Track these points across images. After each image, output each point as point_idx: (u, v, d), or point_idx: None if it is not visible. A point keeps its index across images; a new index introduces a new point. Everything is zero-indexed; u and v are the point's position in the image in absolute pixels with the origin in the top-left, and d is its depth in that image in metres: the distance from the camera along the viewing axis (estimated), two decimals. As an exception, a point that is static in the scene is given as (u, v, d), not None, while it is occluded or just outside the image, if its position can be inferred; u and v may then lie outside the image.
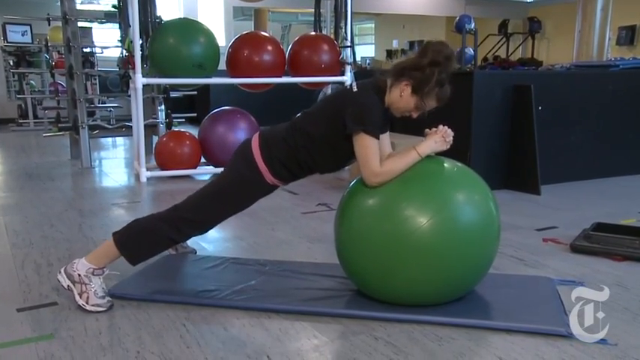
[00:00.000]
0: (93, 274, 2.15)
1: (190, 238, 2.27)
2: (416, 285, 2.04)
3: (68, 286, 2.16)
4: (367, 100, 2.09)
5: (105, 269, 2.18)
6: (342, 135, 2.09)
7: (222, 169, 2.30)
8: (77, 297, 2.14)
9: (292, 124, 2.20)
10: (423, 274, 2.01)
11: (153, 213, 2.29)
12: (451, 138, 2.13)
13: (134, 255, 2.20)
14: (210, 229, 2.29)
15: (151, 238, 2.20)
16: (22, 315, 2.12)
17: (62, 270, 2.19)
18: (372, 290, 2.16)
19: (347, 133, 2.07)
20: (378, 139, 2.08)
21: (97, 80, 9.64)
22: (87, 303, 2.12)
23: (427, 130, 2.16)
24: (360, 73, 6.08)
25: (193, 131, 5.34)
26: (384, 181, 2.04)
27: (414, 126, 2.26)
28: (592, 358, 1.79)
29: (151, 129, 6.15)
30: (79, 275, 2.14)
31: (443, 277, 2.02)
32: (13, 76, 10.02)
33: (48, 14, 7.44)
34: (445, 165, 2.14)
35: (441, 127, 2.14)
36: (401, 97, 2.09)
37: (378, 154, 2.07)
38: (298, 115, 2.26)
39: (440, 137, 2.11)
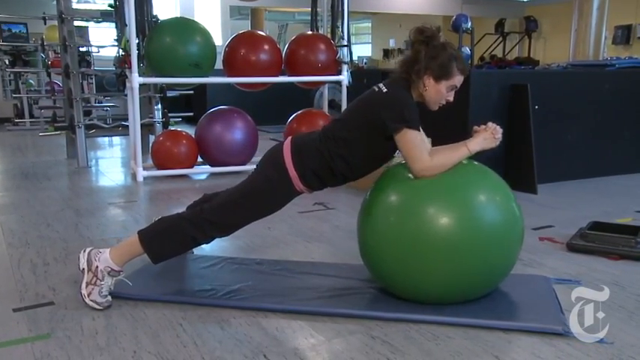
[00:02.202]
0: (109, 274, 2.15)
1: (214, 239, 2.28)
2: (439, 284, 2.04)
3: (83, 269, 2.16)
4: (401, 97, 2.10)
5: (121, 272, 2.19)
6: (379, 137, 2.10)
7: (249, 174, 2.29)
8: (83, 284, 2.14)
9: (324, 133, 2.19)
10: (445, 273, 2.01)
11: (179, 212, 2.31)
12: (500, 135, 2.14)
13: (157, 253, 2.21)
14: (234, 231, 2.28)
15: (176, 238, 2.20)
16: (18, 315, 2.11)
17: (88, 250, 2.19)
18: (396, 289, 2.17)
19: (388, 134, 2.07)
20: (420, 131, 2.09)
21: (94, 79, 9.63)
22: (88, 295, 2.12)
23: (476, 127, 2.16)
24: (357, 72, 6.09)
25: (190, 130, 5.34)
26: (435, 174, 2.04)
27: (427, 124, 2.25)
28: (588, 356, 1.79)
29: (147, 128, 6.13)
30: (97, 267, 2.14)
31: (466, 276, 2.03)
32: (9, 76, 9.98)
33: (44, 13, 7.42)
34: (467, 165, 2.14)
35: (490, 124, 2.15)
36: (427, 91, 2.11)
37: (425, 147, 2.07)
38: (327, 124, 2.26)
39: (489, 134, 2.12)
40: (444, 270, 2.00)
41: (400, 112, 2.06)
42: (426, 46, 2.08)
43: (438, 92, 2.12)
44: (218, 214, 2.20)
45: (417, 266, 2.02)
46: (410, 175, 2.09)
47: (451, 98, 2.16)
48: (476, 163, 2.19)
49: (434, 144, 2.30)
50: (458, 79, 2.12)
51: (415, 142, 2.04)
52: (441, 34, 2.12)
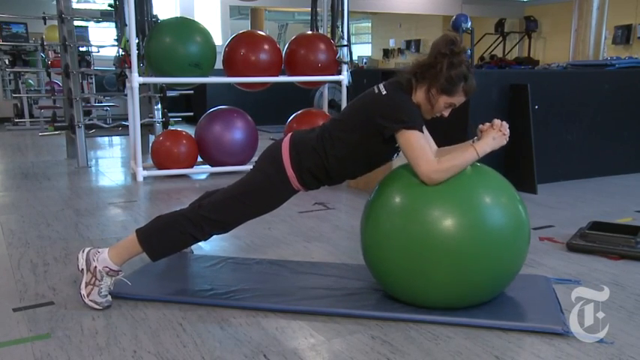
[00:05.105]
0: (107, 274, 2.15)
1: (212, 236, 2.28)
2: (443, 288, 2.01)
3: (82, 269, 2.16)
4: (400, 99, 2.06)
5: (120, 272, 2.18)
6: (375, 139, 2.08)
7: (247, 171, 2.28)
8: (83, 284, 2.14)
9: (321, 133, 2.17)
10: (450, 277, 1.97)
11: (177, 209, 2.30)
12: (508, 131, 2.06)
13: (155, 250, 2.20)
14: (232, 229, 2.28)
15: (174, 235, 2.20)
16: (18, 314, 2.11)
17: (86, 250, 2.19)
18: (398, 292, 2.13)
19: (387, 136, 2.04)
20: (422, 132, 2.04)
21: (94, 79, 9.63)
22: (87, 295, 2.13)
23: (481, 126, 2.09)
24: (357, 72, 6.09)
25: (190, 130, 5.34)
26: (444, 179, 1.96)
27: (426, 124, 2.24)
28: (588, 356, 1.79)
29: (147, 128, 6.13)
30: (95, 267, 2.14)
31: (471, 280, 1.98)
32: (9, 75, 9.98)
33: (44, 13, 7.42)
34: (472, 167, 2.08)
35: (496, 121, 2.07)
36: (429, 101, 2.07)
37: (429, 148, 2.02)
38: (326, 122, 2.24)
39: (498, 133, 2.04)
40: (449, 274, 1.96)
41: (396, 114, 2.03)
42: (448, 59, 2.03)
43: (437, 105, 2.09)
44: (216, 212, 2.19)
45: (422, 270, 1.98)
46: (413, 177, 2.03)
47: (446, 114, 2.13)
48: (479, 164, 2.14)
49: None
50: (458, 99, 2.09)
51: (416, 144, 1.99)
52: (466, 49, 2.10)
